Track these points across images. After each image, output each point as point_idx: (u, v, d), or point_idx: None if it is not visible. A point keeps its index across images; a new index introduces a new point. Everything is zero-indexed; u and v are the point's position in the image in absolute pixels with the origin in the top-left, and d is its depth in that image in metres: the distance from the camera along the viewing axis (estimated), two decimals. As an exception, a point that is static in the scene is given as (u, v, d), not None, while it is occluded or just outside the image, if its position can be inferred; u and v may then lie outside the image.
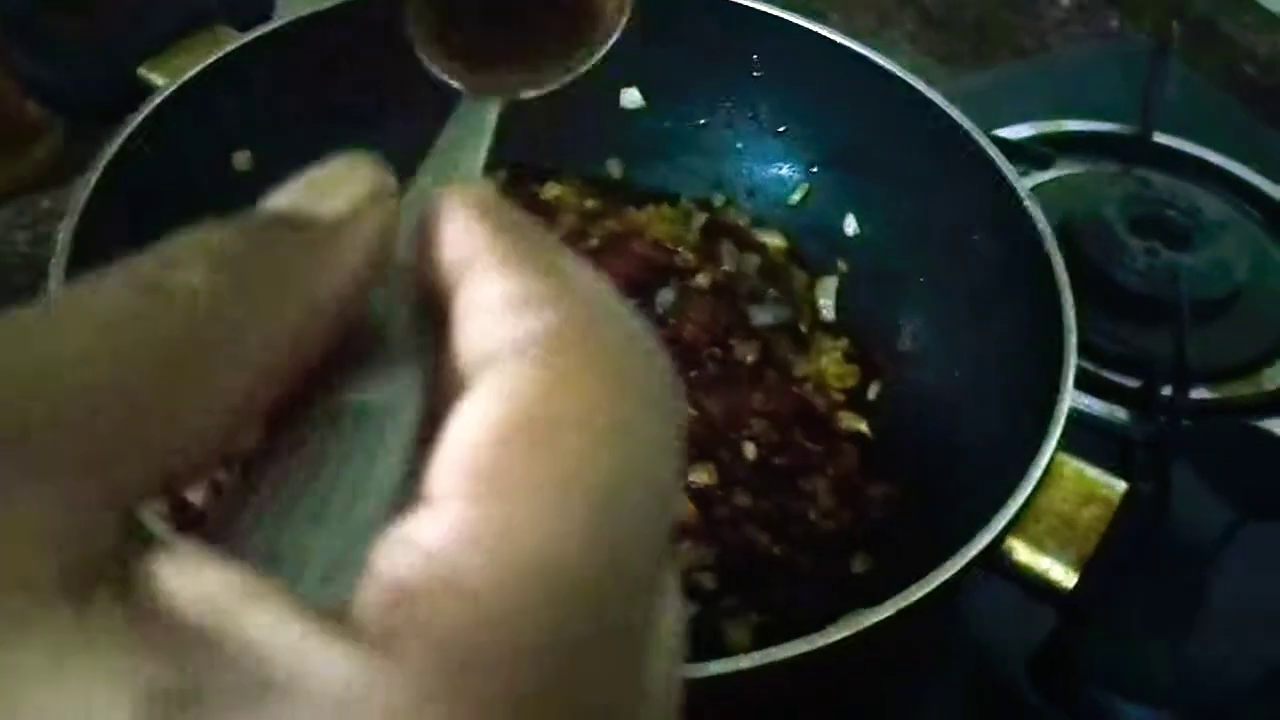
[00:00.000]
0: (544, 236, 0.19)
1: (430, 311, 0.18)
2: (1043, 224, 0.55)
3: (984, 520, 0.44)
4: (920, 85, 0.61)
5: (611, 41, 0.27)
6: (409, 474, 0.16)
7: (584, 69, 0.27)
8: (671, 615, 0.18)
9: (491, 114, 0.24)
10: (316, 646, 0.14)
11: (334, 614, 0.14)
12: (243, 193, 0.67)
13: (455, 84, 0.26)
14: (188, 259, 0.17)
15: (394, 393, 0.17)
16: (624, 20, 0.27)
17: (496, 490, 0.15)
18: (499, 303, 0.17)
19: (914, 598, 0.41)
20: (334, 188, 0.19)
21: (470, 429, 0.16)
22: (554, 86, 0.27)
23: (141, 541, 0.15)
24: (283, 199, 0.19)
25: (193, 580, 0.14)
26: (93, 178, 0.52)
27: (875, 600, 0.41)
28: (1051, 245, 0.54)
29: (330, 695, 0.13)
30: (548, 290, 0.17)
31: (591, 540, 0.15)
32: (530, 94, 0.26)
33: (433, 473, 0.16)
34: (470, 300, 0.18)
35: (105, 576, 0.14)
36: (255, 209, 0.19)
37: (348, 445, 0.17)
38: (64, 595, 0.13)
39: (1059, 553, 0.44)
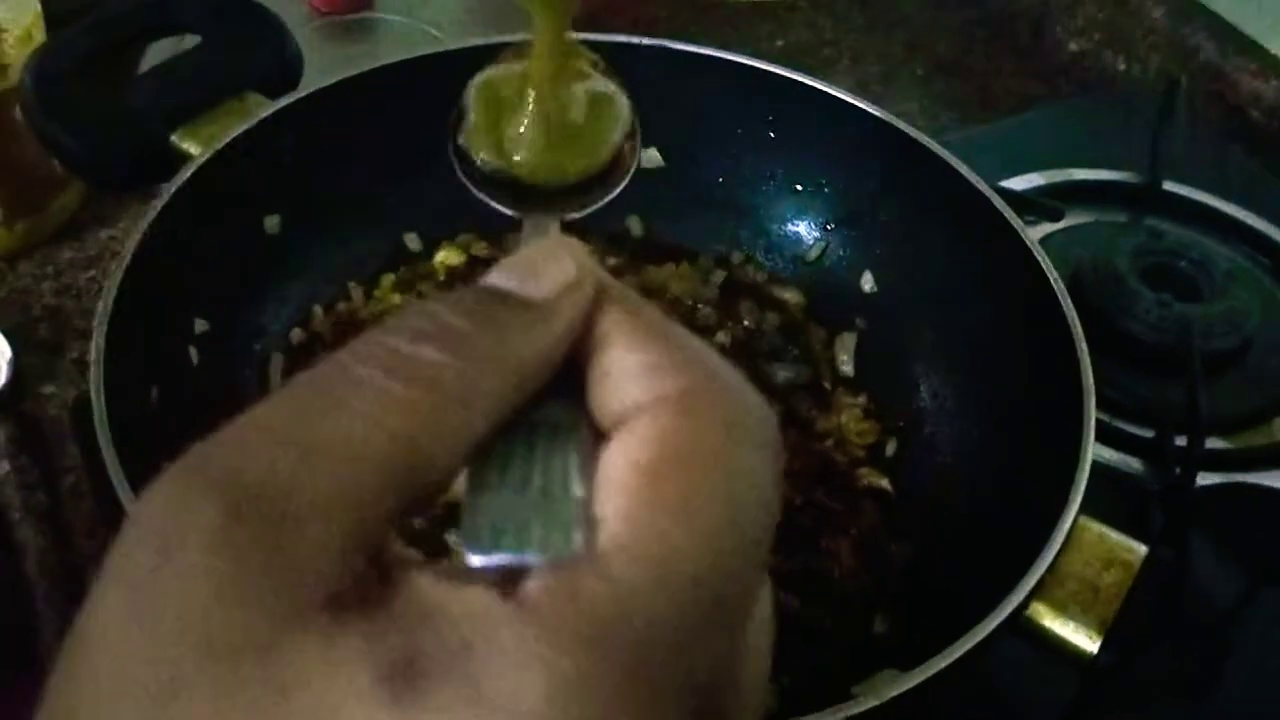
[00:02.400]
0: (661, 315, 0.23)
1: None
2: (1057, 282, 0.55)
3: (1004, 580, 0.44)
4: (929, 141, 0.62)
5: (628, 178, 0.33)
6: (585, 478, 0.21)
7: (612, 195, 0.33)
8: (765, 606, 0.23)
9: (555, 224, 0.30)
10: (500, 617, 0.19)
11: (515, 595, 0.19)
12: (273, 255, 0.68)
13: (511, 213, 0.31)
14: (422, 332, 0.21)
15: (572, 415, 0.22)
16: (634, 165, 0.33)
17: (640, 511, 0.20)
18: (634, 369, 0.22)
19: (940, 665, 0.41)
20: (542, 270, 0.23)
21: (621, 466, 0.21)
22: (588, 210, 0.32)
23: (385, 561, 0.20)
24: (497, 277, 0.23)
25: (414, 585, 0.19)
26: (132, 244, 0.53)
27: (896, 660, 0.42)
28: (1068, 305, 0.54)
29: (507, 650, 0.18)
30: (673, 360, 0.22)
31: (707, 550, 0.20)
32: (573, 215, 0.32)
33: (597, 495, 0.21)
34: (610, 364, 0.22)
35: (357, 593, 0.19)
36: (477, 283, 0.23)
37: (547, 449, 0.22)
38: (326, 608, 0.19)
39: (1082, 617, 0.44)
